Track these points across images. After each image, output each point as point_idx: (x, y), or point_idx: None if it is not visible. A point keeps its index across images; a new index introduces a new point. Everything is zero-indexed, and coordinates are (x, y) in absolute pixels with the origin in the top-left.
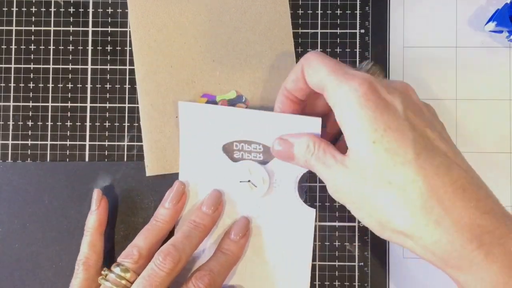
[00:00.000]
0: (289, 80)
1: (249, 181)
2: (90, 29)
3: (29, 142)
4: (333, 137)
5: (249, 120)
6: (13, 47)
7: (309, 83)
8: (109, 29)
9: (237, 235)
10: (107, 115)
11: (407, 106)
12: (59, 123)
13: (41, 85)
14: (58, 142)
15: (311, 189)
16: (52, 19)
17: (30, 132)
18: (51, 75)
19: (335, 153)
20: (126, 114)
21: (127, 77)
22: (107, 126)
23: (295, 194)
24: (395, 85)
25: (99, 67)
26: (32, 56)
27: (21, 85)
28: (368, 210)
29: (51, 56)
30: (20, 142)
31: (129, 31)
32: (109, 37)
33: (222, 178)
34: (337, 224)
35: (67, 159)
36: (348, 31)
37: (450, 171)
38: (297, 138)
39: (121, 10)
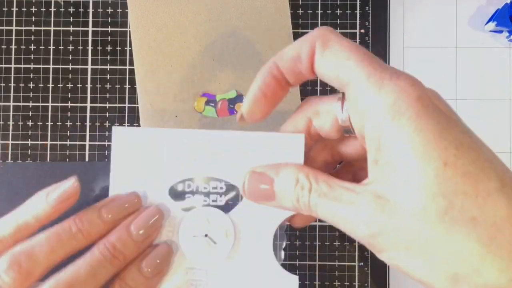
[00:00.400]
0: (286, 57)
1: (206, 235)
2: (90, 29)
3: (29, 142)
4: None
5: (207, 147)
6: (13, 47)
7: (318, 70)
8: (109, 29)
9: (152, 268)
10: (107, 115)
11: (459, 117)
12: (59, 123)
13: (41, 85)
14: (58, 142)
15: None
16: (52, 19)
17: (30, 132)
18: (51, 75)
19: (347, 184)
20: (126, 114)
21: (127, 77)
22: (107, 126)
23: (271, 254)
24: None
25: (99, 67)
26: (32, 56)
27: (21, 85)
28: (432, 259)
29: (51, 56)
30: (20, 142)
31: (129, 31)
32: (109, 37)
33: (169, 231)
34: None
35: (67, 159)
36: (348, 31)
37: None
38: (278, 170)
39: (121, 10)
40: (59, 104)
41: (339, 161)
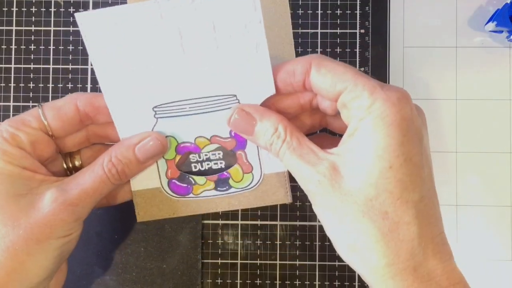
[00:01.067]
0: (282, 69)
1: None
2: None
3: None
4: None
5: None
6: (13, 47)
7: (314, 82)
8: None
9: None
10: None
11: (427, 134)
12: None
13: (41, 85)
14: None
15: None
16: (52, 19)
17: None
18: (51, 75)
19: (314, 147)
20: None
21: None
22: None
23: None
24: (416, 107)
25: None
26: (32, 56)
27: (21, 85)
28: (344, 227)
29: (51, 56)
30: None
31: None
32: None
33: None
34: None
35: None
36: (348, 31)
37: (438, 222)
38: (263, 115)
39: None
40: None
41: (322, 128)
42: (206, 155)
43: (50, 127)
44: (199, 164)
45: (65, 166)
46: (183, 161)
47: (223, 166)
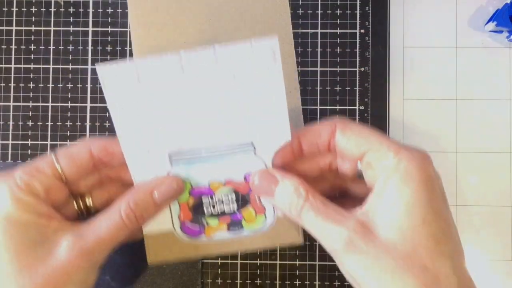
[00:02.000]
0: (308, 131)
1: None
2: (90, 29)
3: (29, 142)
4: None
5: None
6: (13, 47)
7: (339, 143)
8: (109, 29)
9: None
10: (107, 115)
11: (443, 188)
12: (59, 123)
13: (41, 85)
14: (58, 142)
15: None
16: (52, 19)
17: (30, 132)
18: (51, 75)
19: (337, 207)
20: None
21: None
22: (106, 126)
23: None
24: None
25: None
26: (32, 56)
27: (21, 85)
28: (381, 286)
29: (51, 56)
30: (20, 142)
31: (129, 31)
32: (109, 37)
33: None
34: None
35: None
36: (348, 31)
37: (467, 271)
38: (284, 176)
39: (121, 10)
40: (59, 104)
41: (336, 193)
42: (219, 197)
43: (64, 174)
44: (211, 206)
45: (76, 207)
46: (196, 204)
47: (236, 208)
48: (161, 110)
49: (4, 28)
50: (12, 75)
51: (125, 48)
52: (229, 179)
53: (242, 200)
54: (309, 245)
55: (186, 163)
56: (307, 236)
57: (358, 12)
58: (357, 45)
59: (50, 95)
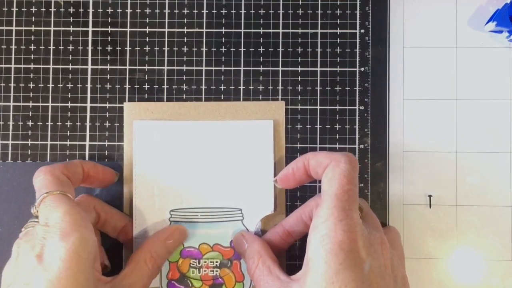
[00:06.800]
0: (312, 159)
1: None
2: (90, 29)
3: (29, 142)
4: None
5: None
6: (13, 47)
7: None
8: (109, 29)
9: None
10: (107, 115)
11: (373, 268)
12: (59, 123)
13: (41, 85)
14: (58, 142)
15: (311, 189)
16: (52, 19)
17: (30, 132)
18: (51, 75)
19: (281, 275)
20: None
21: (127, 77)
22: (107, 126)
23: None
24: (375, 238)
25: (99, 67)
26: (32, 56)
27: (21, 85)
28: None
29: (51, 56)
30: (20, 142)
31: (129, 31)
32: (109, 37)
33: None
34: None
35: (67, 159)
36: (348, 31)
37: None
38: (252, 242)
39: (121, 10)
40: (59, 104)
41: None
42: (205, 261)
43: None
44: (197, 269)
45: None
46: (184, 265)
47: (218, 273)
48: (170, 168)
49: (4, 28)
50: (12, 75)
51: (125, 48)
52: (217, 243)
53: (225, 266)
54: None
55: (183, 223)
56: (306, 236)
57: (358, 12)
58: (357, 45)
59: (50, 95)
